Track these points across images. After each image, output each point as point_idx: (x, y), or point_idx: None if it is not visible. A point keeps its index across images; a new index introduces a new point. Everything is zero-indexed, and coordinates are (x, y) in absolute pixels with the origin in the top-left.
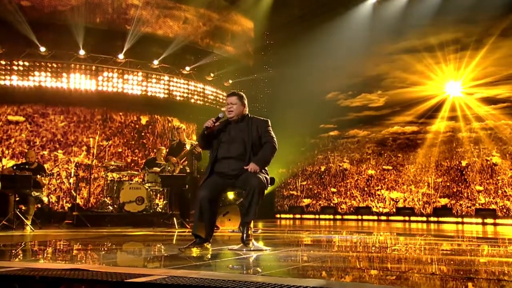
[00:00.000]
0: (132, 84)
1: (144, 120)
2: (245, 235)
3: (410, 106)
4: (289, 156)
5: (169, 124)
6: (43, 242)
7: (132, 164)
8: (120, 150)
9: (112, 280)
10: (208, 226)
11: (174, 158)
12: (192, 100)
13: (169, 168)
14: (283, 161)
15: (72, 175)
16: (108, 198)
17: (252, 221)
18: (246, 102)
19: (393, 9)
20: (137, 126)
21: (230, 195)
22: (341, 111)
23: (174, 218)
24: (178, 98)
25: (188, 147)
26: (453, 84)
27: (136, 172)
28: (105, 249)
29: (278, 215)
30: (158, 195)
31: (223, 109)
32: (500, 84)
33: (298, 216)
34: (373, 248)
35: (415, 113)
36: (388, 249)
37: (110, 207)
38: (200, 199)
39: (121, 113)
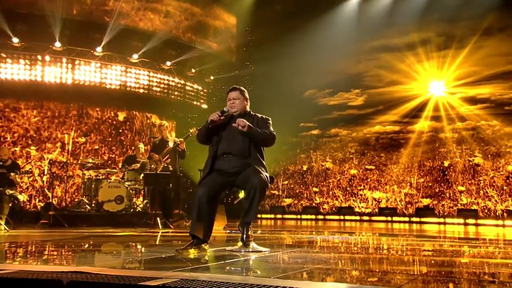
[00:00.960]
0: (110, 79)
1: (121, 116)
2: (245, 235)
3: (393, 105)
4: (270, 154)
5: (148, 121)
6: (26, 243)
7: (109, 162)
8: (96, 147)
9: (120, 283)
10: (207, 226)
11: (156, 156)
12: (173, 96)
13: (152, 166)
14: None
15: (46, 172)
16: (85, 197)
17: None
18: (248, 97)
19: (376, 7)
20: (114, 122)
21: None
22: (322, 110)
23: (158, 218)
24: (157, 94)
25: (171, 144)
26: (436, 83)
27: (114, 170)
28: (97, 250)
29: (258, 215)
30: (138, 194)
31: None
32: (482, 84)
33: (279, 216)
34: (377, 249)
35: (398, 112)
36: (390, 250)
37: (88, 207)
38: (199, 198)
39: (98, 109)
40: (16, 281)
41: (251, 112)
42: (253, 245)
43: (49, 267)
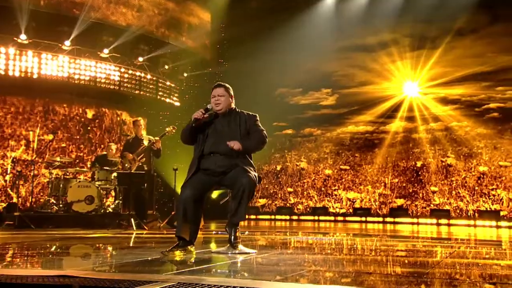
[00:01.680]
0: (79, 74)
1: (90, 113)
2: (232, 237)
3: (368, 105)
4: None
5: (118, 118)
6: None
7: (77, 161)
8: (63, 145)
9: (115, 287)
10: (193, 227)
11: (130, 155)
12: (144, 93)
13: (126, 165)
14: None
15: (9, 171)
16: (53, 197)
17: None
18: (233, 94)
19: (352, 7)
20: (82, 119)
21: (213, 194)
22: (296, 109)
23: (132, 219)
24: (129, 90)
25: (146, 142)
26: (410, 84)
27: (85, 169)
28: (75, 252)
29: None
30: (108, 194)
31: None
32: (455, 85)
33: (253, 216)
34: (368, 250)
35: (374, 113)
36: (372, 252)
37: (55, 207)
38: (184, 199)
39: (65, 105)
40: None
41: (237, 109)
42: (240, 246)
43: (34, 271)
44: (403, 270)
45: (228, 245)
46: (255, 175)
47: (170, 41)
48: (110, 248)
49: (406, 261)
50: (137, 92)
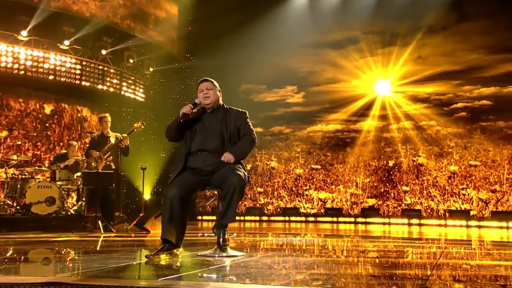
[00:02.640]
0: (37, 67)
1: (48, 109)
2: (221, 239)
3: (339, 104)
4: None
5: (79, 115)
6: None
7: (34, 160)
8: (19, 142)
9: None
10: (179, 229)
11: (96, 153)
12: (106, 88)
13: (93, 164)
14: None
15: None
16: (8, 198)
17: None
18: (220, 89)
19: (322, 3)
20: (40, 115)
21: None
22: (265, 107)
23: (99, 222)
24: (90, 84)
25: (112, 140)
26: (382, 82)
27: (44, 169)
28: (53, 258)
29: (199, 217)
30: (70, 195)
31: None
32: (426, 83)
33: None
34: (358, 252)
35: (346, 111)
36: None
37: (12, 209)
38: (170, 199)
39: (20, 100)
40: None
41: (225, 106)
42: (228, 249)
43: (20, 278)
44: (374, 269)
45: (215, 247)
46: (245, 174)
47: (136, 34)
48: (87, 253)
49: (376, 262)
50: (99, 87)
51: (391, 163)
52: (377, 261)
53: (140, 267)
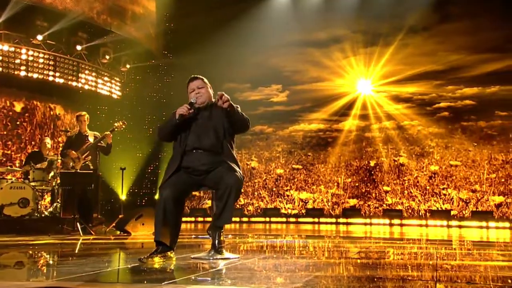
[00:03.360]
0: (7, 62)
1: (19, 106)
2: (217, 241)
3: (321, 103)
4: None
5: (52, 112)
6: None
7: (4, 159)
8: None
9: None
10: (173, 231)
11: (74, 152)
12: (81, 85)
13: (71, 164)
14: None
15: None
16: None
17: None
18: (210, 85)
19: (305, 2)
20: (10, 113)
21: None
22: (245, 105)
23: (78, 224)
24: (63, 81)
25: (91, 139)
26: (363, 82)
27: (18, 169)
28: (42, 261)
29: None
30: (44, 196)
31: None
32: (408, 83)
33: (200, 219)
34: (355, 253)
35: (327, 110)
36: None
37: None
38: (164, 200)
39: None
40: None
41: (212, 100)
42: (224, 251)
43: (17, 283)
44: (355, 271)
45: (210, 250)
46: (241, 174)
47: (113, 30)
48: (74, 256)
49: (357, 263)
50: (73, 83)
51: (372, 163)
52: (355, 261)
53: (136, 271)
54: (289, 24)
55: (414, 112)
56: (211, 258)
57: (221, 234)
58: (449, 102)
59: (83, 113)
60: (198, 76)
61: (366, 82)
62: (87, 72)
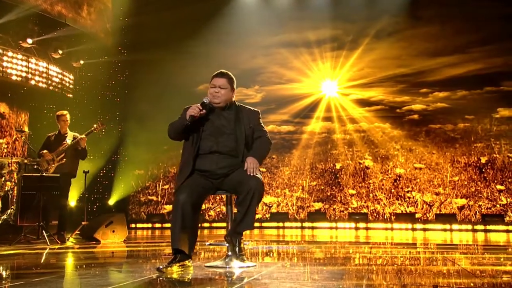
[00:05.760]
0: None
1: None
2: (237, 248)
3: (285, 104)
4: (147, 155)
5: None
6: None
7: None
8: None
9: None
10: (191, 238)
11: (48, 154)
12: (33, 82)
13: (45, 166)
14: (140, 162)
15: None
16: None
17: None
18: (235, 87)
19: (278, 2)
20: None
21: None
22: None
23: (44, 232)
24: (13, 77)
25: (69, 140)
26: (329, 83)
27: None
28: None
29: (132, 225)
30: None
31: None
32: (373, 86)
33: (158, 225)
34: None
35: (290, 111)
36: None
37: None
38: (182, 204)
39: None
40: None
41: (237, 103)
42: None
43: None
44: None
45: (225, 257)
46: (261, 176)
47: (67, 22)
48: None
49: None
50: (23, 80)
51: (338, 166)
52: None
53: (158, 282)
54: (256, 23)
55: (378, 114)
56: (227, 266)
57: (242, 240)
58: (413, 105)
59: (64, 112)
60: (225, 73)
61: (332, 84)
62: (36, 67)
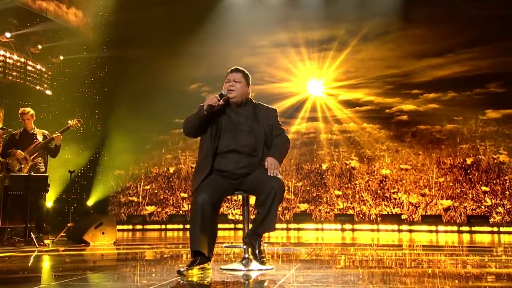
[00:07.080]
0: None
1: None
2: (257, 250)
3: (271, 102)
4: (128, 155)
5: None
6: None
7: None
8: None
9: None
10: (211, 239)
11: (21, 152)
12: (10, 78)
13: (17, 166)
14: (121, 161)
15: None
16: None
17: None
18: (251, 83)
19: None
20: None
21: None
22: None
23: (32, 234)
24: None
25: (40, 138)
26: (315, 83)
27: None
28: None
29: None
30: None
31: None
32: (360, 87)
33: (139, 227)
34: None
35: (280, 112)
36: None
37: None
38: (202, 204)
39: None
40: None
41: (253, 101)
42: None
43: None
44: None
45: (242, 259)
46: (281, 176)
47: (48, 16)
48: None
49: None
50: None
51: (324, 167)
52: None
53: (180, 285)
54: (245, 22)
55: (365, 115)
56: (245, 269)
57: (261, 243)
58: (400, 106)
59: (27, 109)
60: (240, 68)
61: (318, 84)
62: (15, 62)
